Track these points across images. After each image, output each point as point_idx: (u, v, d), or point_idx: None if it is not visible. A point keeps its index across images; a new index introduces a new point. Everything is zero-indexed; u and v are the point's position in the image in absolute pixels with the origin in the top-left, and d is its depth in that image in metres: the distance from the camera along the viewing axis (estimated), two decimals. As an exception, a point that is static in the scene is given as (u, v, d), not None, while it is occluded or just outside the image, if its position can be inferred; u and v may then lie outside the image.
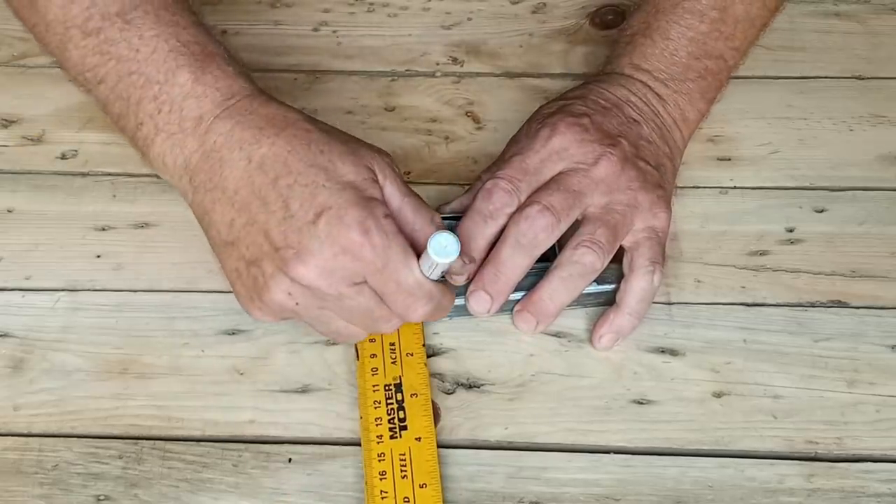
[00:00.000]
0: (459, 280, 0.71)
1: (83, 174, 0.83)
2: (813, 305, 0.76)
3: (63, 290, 0.77)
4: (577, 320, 0.75)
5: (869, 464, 0.70)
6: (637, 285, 0.73)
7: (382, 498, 0.66)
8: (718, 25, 0.79)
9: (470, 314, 0.74)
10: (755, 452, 0.70)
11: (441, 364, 0.74)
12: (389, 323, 0.68)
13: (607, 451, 0.70)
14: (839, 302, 0.76)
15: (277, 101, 0.70)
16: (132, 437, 0.71)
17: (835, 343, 0.75)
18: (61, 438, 0.71)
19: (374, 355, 0.72)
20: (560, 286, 0.73)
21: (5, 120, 0.87)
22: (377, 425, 0.69)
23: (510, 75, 0.89)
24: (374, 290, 0.66)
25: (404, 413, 0.70)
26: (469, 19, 0.93)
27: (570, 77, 0.89)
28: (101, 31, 0.70)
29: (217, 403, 0.72)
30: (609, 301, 0.75)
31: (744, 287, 0.77)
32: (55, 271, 0.78)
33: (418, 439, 0.69)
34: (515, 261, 0.72)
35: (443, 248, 0.66)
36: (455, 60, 0.90)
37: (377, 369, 0.72)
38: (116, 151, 0.84)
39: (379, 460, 0.68)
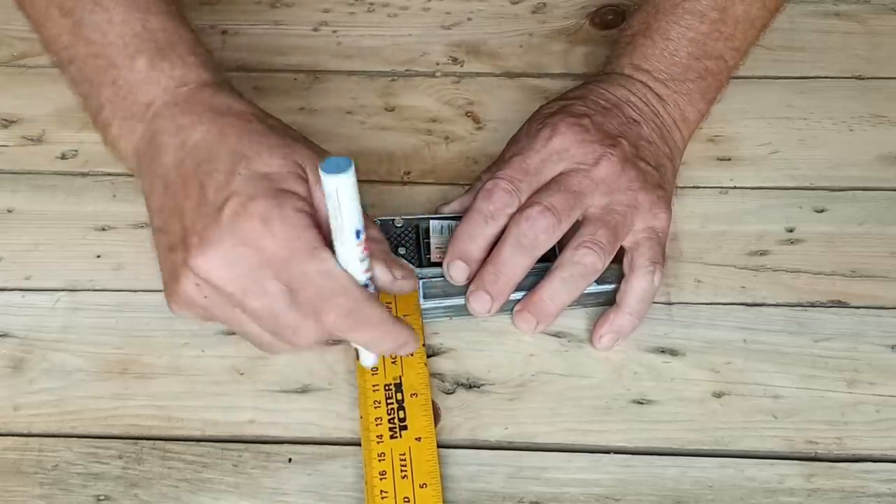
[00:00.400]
0: (399, 289, 0.67)
1: (83, 174, 0.83)
2: (813, 305, 0.76)
3: (63, 290, 0.77)
4: (577, 320, 0.75)
5: (869, 464, 0.70)
6: (637, 285, 0.73)
7: (382, 498, 0.66)
8: (718, 26, 0.79)
9: (469, 314, 0.74)
10: (755, 452, 0.70)
11: (441, 364, 0.74)
12: (298, 332, 0.64)
13: (607, 451, 0.70)
14: (839, 302, 0.76)
15: (232, 92, 0.69)
16: (132, 437, 0.71)
17: (835, 343, 0.75)
18: (61, 438, 0.71)
19: None
20: (561, 287, 0.73)
21: (5, 120, 0.87)
22: (377, 425, 0.69)
23: (510, 75, 0.89)
24: (283, 289, 0.63)
25: (404, 413, 0.70)
26: (469, 19, 0.93)
27: (570, 77, 0.89)
28: (75, 12, 0.70)
29: (217, 403, 0.72)
30: (609, 301, 0.75)
31: (744, 287, 0.77)
32: (55, 271, 0.78)
33: (418, 439, 0.69)
34: (516, 261, 0.72)
35: (334, 166, 0.59)
36: (455, 60, 0.90)
37: (377, 369, 0.71)
38: (116, 151, 0.84)
39: (379, 460, 0.68)
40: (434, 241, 0.76)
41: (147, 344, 0.75)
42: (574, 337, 0.75)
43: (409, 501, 0.66)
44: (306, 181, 0.65)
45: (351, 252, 0.63)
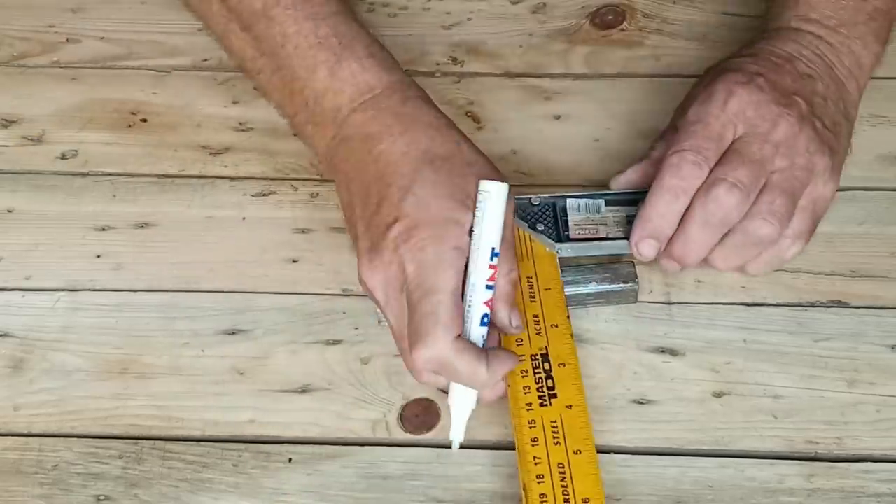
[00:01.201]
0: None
1: (83, 174, 0.83)
2: (813, 305, 0.76)
3: (63, 290, 0.77)
4: (577, 320, 0.75)
5: (869, 464, 0.70)
6: (777, 246, 0.73)
7: (536, 464, 0.66)
8: None
9: None
10: (755, 452, 0.70)
11: (441, 364, 0.74)
12: (406, 355, 0.67)
13: (607, 451, 0.70)
14: (839, 302, 0.76)
15: (417, 98, 0.72)
16: (132, 437, 0.71)
17: (835, 343, 0.75)
18: (61, 438, 0.71)
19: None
20: (733, 253, 0.72)
21: (5, 120, 0.87)
22: (525, 393, 0.69)
23: (510, 75, 0.89)
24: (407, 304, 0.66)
25: (553, 382, 0.70)
26: (469, 19, 0.93)
27: (570, 77, 0.89)
28: (253, 27, 0.74)
29: (217, 403, 0.72)
30: (613, 300, 0.75)
31: (744, 287, 0.77)
32: (55, 271, 0.78)
33: (569, 407, 0.69)
34: (705, 239, 0.71)
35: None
36: (455, 60, 0.90)
37: (521, 340, 0.71)
38: (116, 151, 0.84)
39: (530, 427, 0.68)
40: (572, 218, 0.76)
41: (147, 344, 0.75)
42: (574, 337, 0.75)
43: (563, 467, 0.66)
44: (473, 209, 0.67)
45: (481, 276, 0.67)
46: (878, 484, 0.69)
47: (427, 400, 0.72)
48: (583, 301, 0.75)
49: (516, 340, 0.71)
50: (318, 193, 0.82)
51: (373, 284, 0.68)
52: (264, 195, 0.82)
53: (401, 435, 0.71)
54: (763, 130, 0.72)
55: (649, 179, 0.74)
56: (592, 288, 0.75)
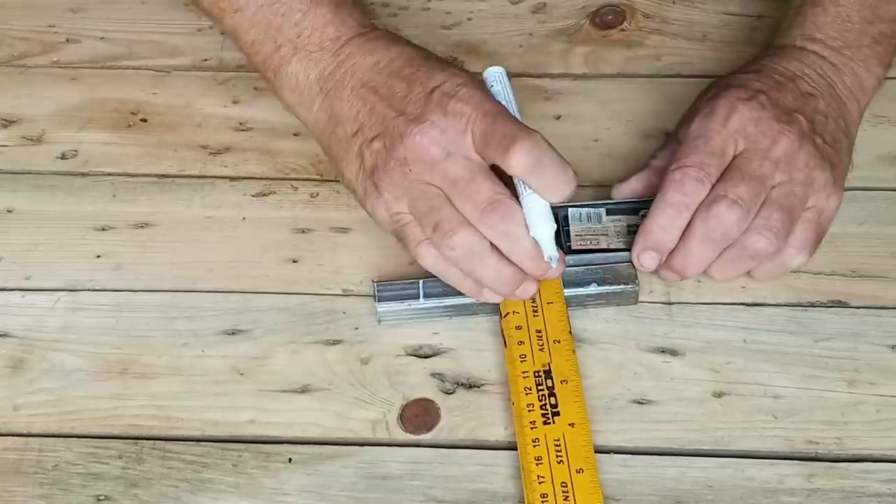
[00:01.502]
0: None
1: (83, 174, 0.83)
2: (813, 305, 0.76)
3: (63, 290, 0.77)
4: (577, 321, 0.75)
5: (869, 464, 0.70)
6: (781, 255, 0.73)
7: (540, 482, 0.67)
8: None
9: (469, 314, 0.75)
10: (755, 452, 0.70)
11: (441, 364, 0.74)
12: (482, 192, 0.69)
13: (607, 451, 0.70)
14: (839, 302, 0.76)
15: (401, 37, 0.77)
16: (132, 437, 0.71)
17: (835, 343, 0.75)
18: (61, 438, 0.71)
19: (521, 342, 0.72)
20: (729, 265, 0.73)
21: (5, 120, 0.87)
22: (529, 411, 0.70)
23: (510, 75, 0.89)
24: (477, 156, 0.69)
25: (556, 399, 0.70)
26: (469, 19, 0.93)
27: (570, 77, 0.89)
28: None
29: (217, 403, 0.72)
30: (613, 301, 0.75)
31: (744, 287, 0.77)
32: (55, 271, 0.78)
33: (572, 425, 0.69)
34: (706, 254, 0.72)
35: None
36: (455, 60, 0.90)
37: (525, 356, 0.72)
38: (116, 151, 0.84)
39: (534, 445, 0.68)
40: (574, 228, 0.77)
41: (147, 344, 0.75)
42: (574, 337, 0.75)
43: (566, 486, 0.67)
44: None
45: None
46: (878, 484, 0.69)
47: (427, 400, 0.72)
48: (583, 302, 0.75)
49: (520, 356, 0.72)
50: (317, 193, 0.82)
51: (430, 141, 0.69)
52: (264, 195, 0.82)
53: (401, 435, 0.71)
54: (763, 147, 0.72)
55: (652, 189, 0.75)
56: (593, 289, 0.75)
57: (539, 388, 0.71)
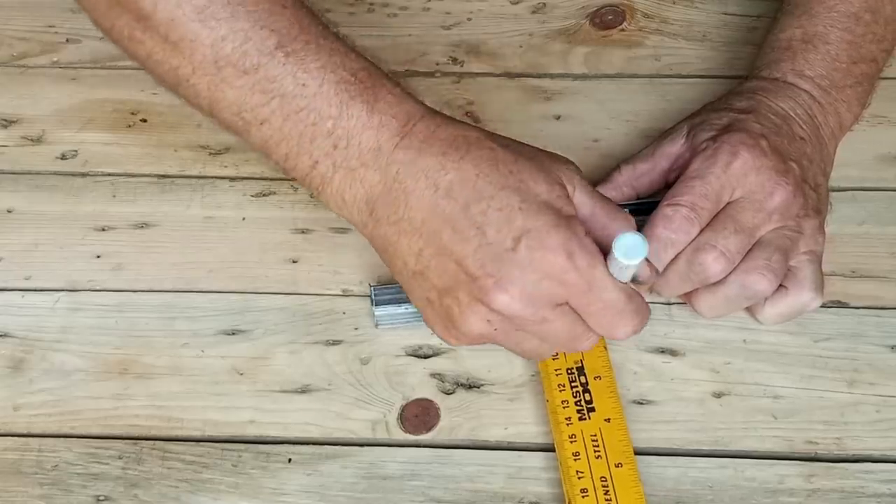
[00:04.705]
0: (643, 288, 0.69)
1: (83, 174, 0.83)
2: (813, 305, 0.76)
3: (63, 290, 0.77)
4: (576, 320, 0.75)
5: (869, 464, 0.70)
6: (799, 300, 0.73)
7: (579, 478, 0.67)
8: (872, 28, 0.78)
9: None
10: (755, 452, 0.70)
11: (441, 364, 0.74)
12: (589, 340, 0.67)
13: (607, 452, 0.70)
14: (839, 302, 0.76)
15: (452, 120, 0.68)
16: (132, 438, 0.71)
17: (835, 343, 0.75)
18: (61, 439, 0.71)
19: None
20: (723, 305, 0.73)
21: (5, 120, 0.87)
22: (564, 408, 0.70)
23: (510, 75, 0.89)
24: (575, 310, 0.65)
25: (590, 395, 0.70)
26: (469, 19, 0.93)
27: (570, 77, 0.89)
28: (260, 68, 0.66)
29: (217, 403, 0.72)
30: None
31: (744, 287, 0.77)
32: (55, 271, 0.78)
33: (608, 420, 0.69)
34: (683, 288, 0.73)
35: (630, 249, 0.64)
36: (455, 60, 0.90)
37: (557, 354, 0.72)
38: (116, 151, 0.84)
39: (570, 441, 0.69)
40: None
41: (147, 344, 0.75)
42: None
43: (605, 481, 0.67)
44: (569, 196, 0.66)
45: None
46: (877, 484, 0.69)
47: (427, 400, 0.72)
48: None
49: (552, 354, 0.72)
50: (317, 193, 0.82)
51: (519, 308, 0.64)
52: (264, 195, 0.82)
53: (401, 435, 0.71)
54: (759, 198, 0.72)
55: (656, 172, 0.76)
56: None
57: (573, 384, 0.71)
